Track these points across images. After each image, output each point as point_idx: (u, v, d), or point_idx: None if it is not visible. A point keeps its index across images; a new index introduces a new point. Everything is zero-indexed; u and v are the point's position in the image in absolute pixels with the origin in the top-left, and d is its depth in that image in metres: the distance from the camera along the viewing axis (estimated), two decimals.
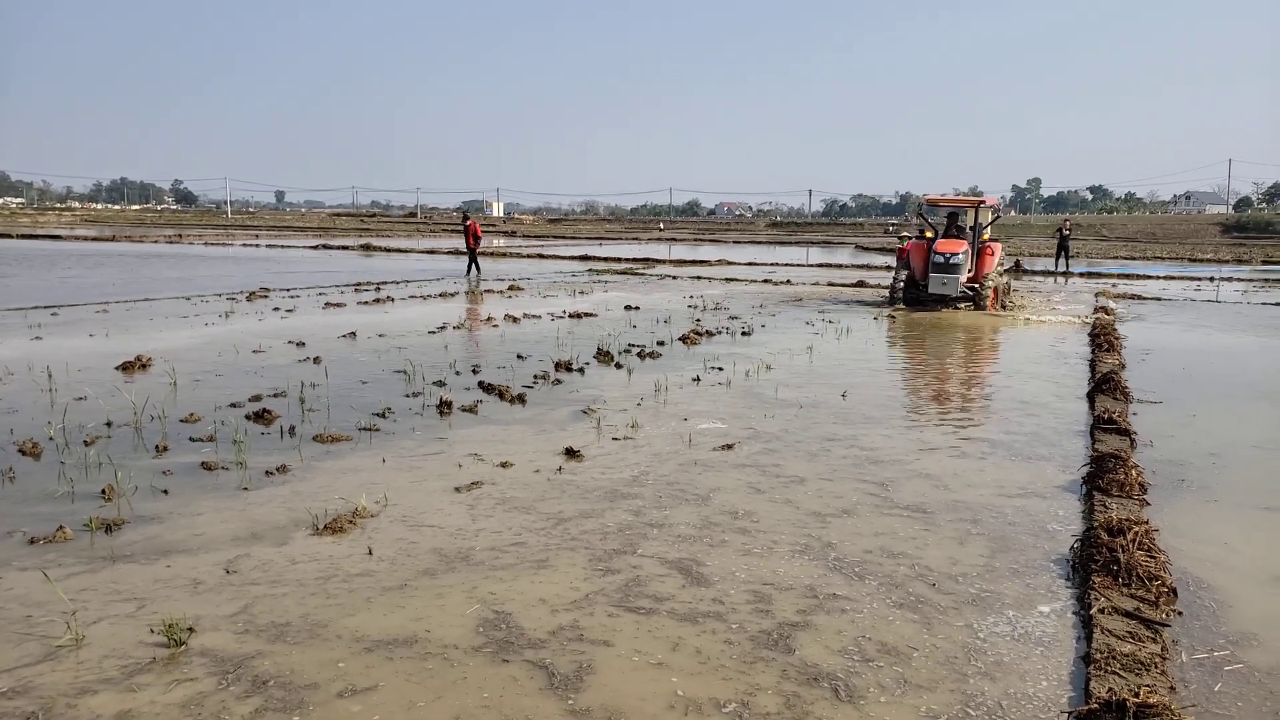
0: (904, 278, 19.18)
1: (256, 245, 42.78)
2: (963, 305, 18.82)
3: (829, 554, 5.13)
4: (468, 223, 25.88)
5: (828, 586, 4.69)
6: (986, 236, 19.55)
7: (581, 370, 10.78)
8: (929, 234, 19.19)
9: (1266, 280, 28.16)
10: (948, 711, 3.55)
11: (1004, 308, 19.04)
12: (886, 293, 20.51)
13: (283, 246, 42.05)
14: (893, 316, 17.47)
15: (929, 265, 18.62)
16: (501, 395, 9.19)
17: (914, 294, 19.00)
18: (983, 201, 19.92)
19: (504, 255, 38.21)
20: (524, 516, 5.70)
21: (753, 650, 4.00)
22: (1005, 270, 30.82)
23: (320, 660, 3.87)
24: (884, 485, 6.45)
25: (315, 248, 40.83)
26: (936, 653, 4.01)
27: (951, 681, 3.77)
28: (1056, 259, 31.08)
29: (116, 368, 10.39)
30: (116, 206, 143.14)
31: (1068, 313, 18.23)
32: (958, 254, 18.25)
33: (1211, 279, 28.50)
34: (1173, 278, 28.73)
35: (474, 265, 25.37)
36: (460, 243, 37.01)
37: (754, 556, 5.09)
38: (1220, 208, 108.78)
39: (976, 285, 18.53)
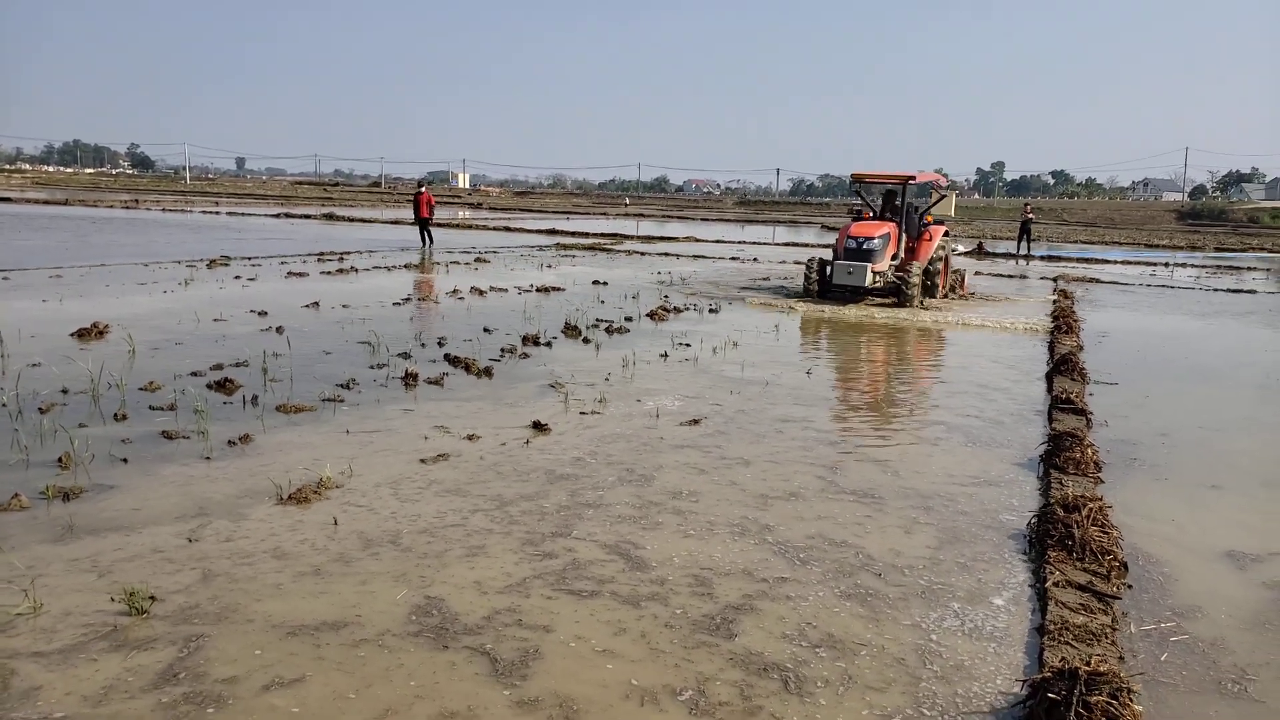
0: (817, 265, 16.53)
1: (217, 213, 41.97)
2: (881, 299, 16.27)
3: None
4: (419, 193, 25.20)
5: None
6: (930, 219, 17.23)
7: (549, 344, 10.76)
8: (866, 215, 17.13)
9: (1219, 266, 28.78)
10: (910, 657, 3.63)
11: (949, 297, 17.11)
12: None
13: (244, 214, 41.30)
14: (778, 313, 14.69)
15: (838, 250, 16.25)
16: (468, 368, 9.16)
17: (827, 284, 16.44)
18: (912, 178, 16.67)
19: (470, 227, 37.91)
20: (491, 487, 5.70)
21: (694, 636, 4.06)
22: (967, 252, 30.06)
23: (251, 644, 3.87)
24: (833, 470, 6.54)
25: (277, 216, 40.15)
26: (908, 594, 4.10)
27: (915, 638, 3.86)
28: (1018, 242, 31.48)
29: (72, 334, 10.19)
30: (69, 170, 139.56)
31: (1016, 313, 15.39)
32: (873, 238, 15.66)
33: (1167, 264, 29.09)
34: (1130, 262, 29.26)
35: (426, 236, 24.90)
36: (407, 213, 36.47)
37: (693, 539, 5.16)
38: (1176, 195, 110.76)
39: (904, 275, 15.76)
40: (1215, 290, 20.76)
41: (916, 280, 15.63)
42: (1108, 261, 29.26)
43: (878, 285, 15.85)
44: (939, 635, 3.99)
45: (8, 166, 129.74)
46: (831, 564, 4.71)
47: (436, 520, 5.14)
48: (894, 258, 16.25)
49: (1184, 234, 52.53)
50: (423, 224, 24.90)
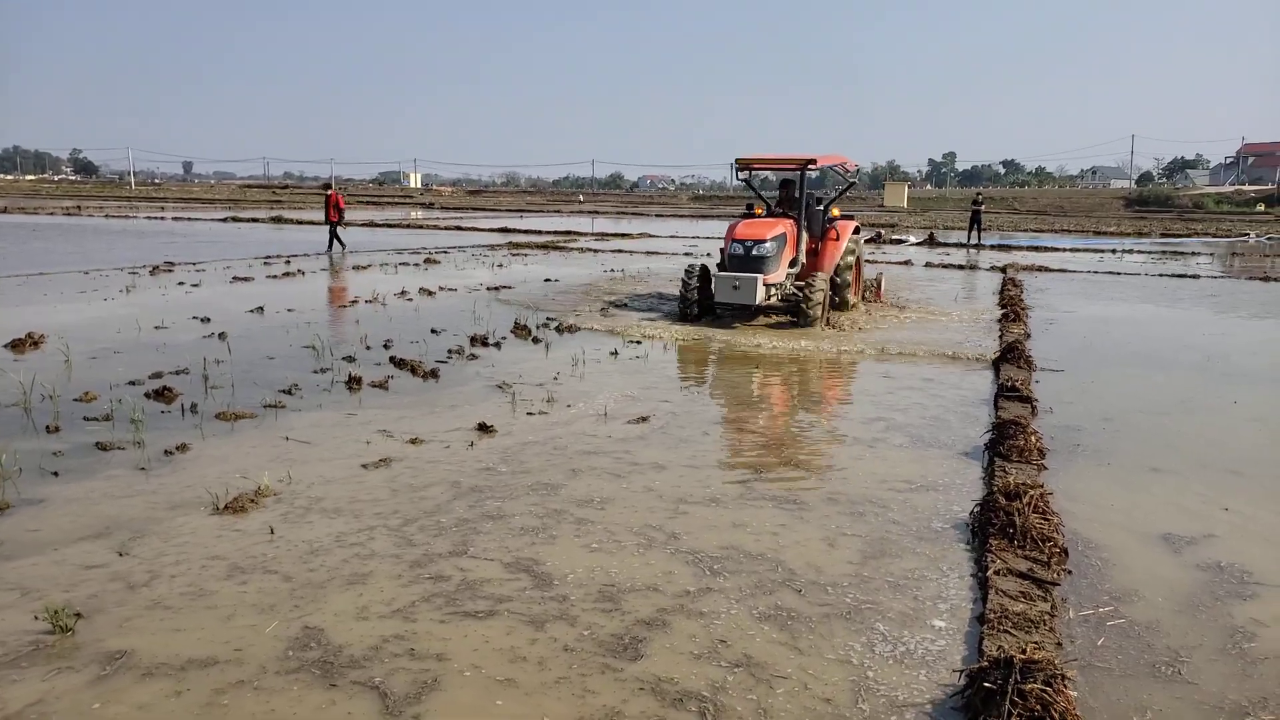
0: (698, 276, 12.88)
1: (162, 218, 41.11)
2: (777, 315, 13.02)
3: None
4: (328, 194, 24.02)
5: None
6: (837, 212, 14.16)
7: (498, 345, 10.66)
8: (758, 211, 13.69)
9: (1164, 252, 29.38)
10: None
11: (864, 303, 14.36)
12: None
13: (190, 219, 40.51)
14: (638, 341, 11.21)
15: (723, 257, 12.91)
16: (414, 371, 9.04)
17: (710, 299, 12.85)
18: (811, 161, 13.13)
19: (421, 227, 37.53)
20: (430, 492, 5.62)
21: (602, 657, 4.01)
22: (919, 243, 29.62)
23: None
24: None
25: (224, 220, 39.43)
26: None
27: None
28: (969, 231, 31.89)
29: (5, 345, 9.90)
30: (9, 176, 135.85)
31: (948, 332, 12.30)
32: (765, 241, 12.31)
33: (1114, 251, 29.62)
34: (1078, 250, 29.75)
35: (335, 240, 23.62)
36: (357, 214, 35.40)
37: (593, 546, 5.12)
38: (1124, 182, 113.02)
39: (804, 286, 12.48)
40: (1161, 275, 21.18)
41: (820, 298, 12.24)
42: (1057, 249, 29.73)
43: (773, 301, 12.68)
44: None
45: None
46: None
47: (375, 524, 5.05)
48: (793, 264, 13.05)
49: (1131, 221, 53.59)
50: (332, 227, 23.61)
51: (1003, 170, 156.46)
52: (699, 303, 12.78)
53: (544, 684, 3.52)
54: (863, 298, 14.57)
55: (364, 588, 4.30)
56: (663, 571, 4.54)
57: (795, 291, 12.79)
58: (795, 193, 13.63)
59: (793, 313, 12.57)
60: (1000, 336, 11.71)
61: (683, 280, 12.96)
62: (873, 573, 4.58)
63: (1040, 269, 22.28)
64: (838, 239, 13.54)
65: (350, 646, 3.76)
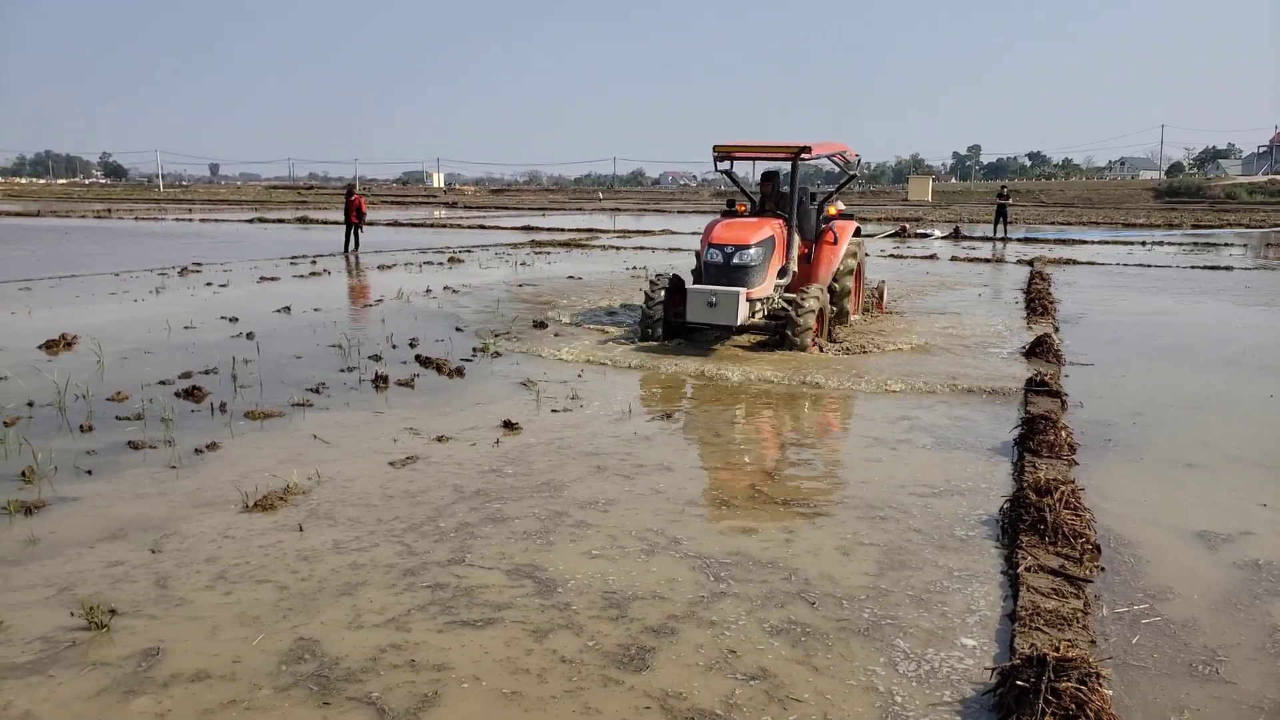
0: (665, 288, 10.60)
1: (190, 220, 41.60)
2: (758, 334, 10.80)
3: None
4: (351, 197, 24.02)
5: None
6: (835, 211, 11.99)
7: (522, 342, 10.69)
8: (741, 208, 11.32)
9: (1195, 244, 28.97)
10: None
11: (866, 318, 12.53)
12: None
13: (217, 221, 40.96)
14: (579, 370, 9.21)
15: (698, 265, 10.82)
16: (439, 369, 9.08)
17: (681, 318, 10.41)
18: (805, 150, 10.85)
19: (444, 226, 37.70)
20: (456, 490, 5.64)
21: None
22: (944, 237, 28.81)
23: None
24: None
25: (251, 221, 39.82)
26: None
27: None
28: (995, 225, 31.59)
29: (39, 346, 10.04)
30: (42, 180, 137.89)
31: (966, 359, 9.83)
32: (749, 247, 10.09)
33: (1144, 243, 29.23)
34: (1107, 242, 29.41)
35: (353, 239, 23.66)
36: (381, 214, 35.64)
37: (590, 537, 5.10)
38: (1153, 173, 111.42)
39: (794, 301, 10.33)
40: (1193, 268, 20.87)
41: (811, 319, 9.98)
42: (1085, 242, 29.39)
43: (757, 319, 10.47)
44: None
45: None
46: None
47: (403, 521, 5.08)
48: (782, 273, 10.80)
49: (1161, 212, 52.84)
50: (352, 228, 23.63)
51: (1028, 163, 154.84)
52: (666, 321, 10.43)
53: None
54: (864, 309, 12.87)
55: (379, 587, 4.32)
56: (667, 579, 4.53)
57: (785, 306, 10.51)
58: (784, 188, 11.45)
59: (779, 332, 10.21)
60: (1028, 328, 11.59)
61: (645, 294, 10.67)
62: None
63: (1068, 262, 22.03)
64: (835, 242, 11.47)
65: (346, 659, 3.78)
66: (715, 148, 11.19)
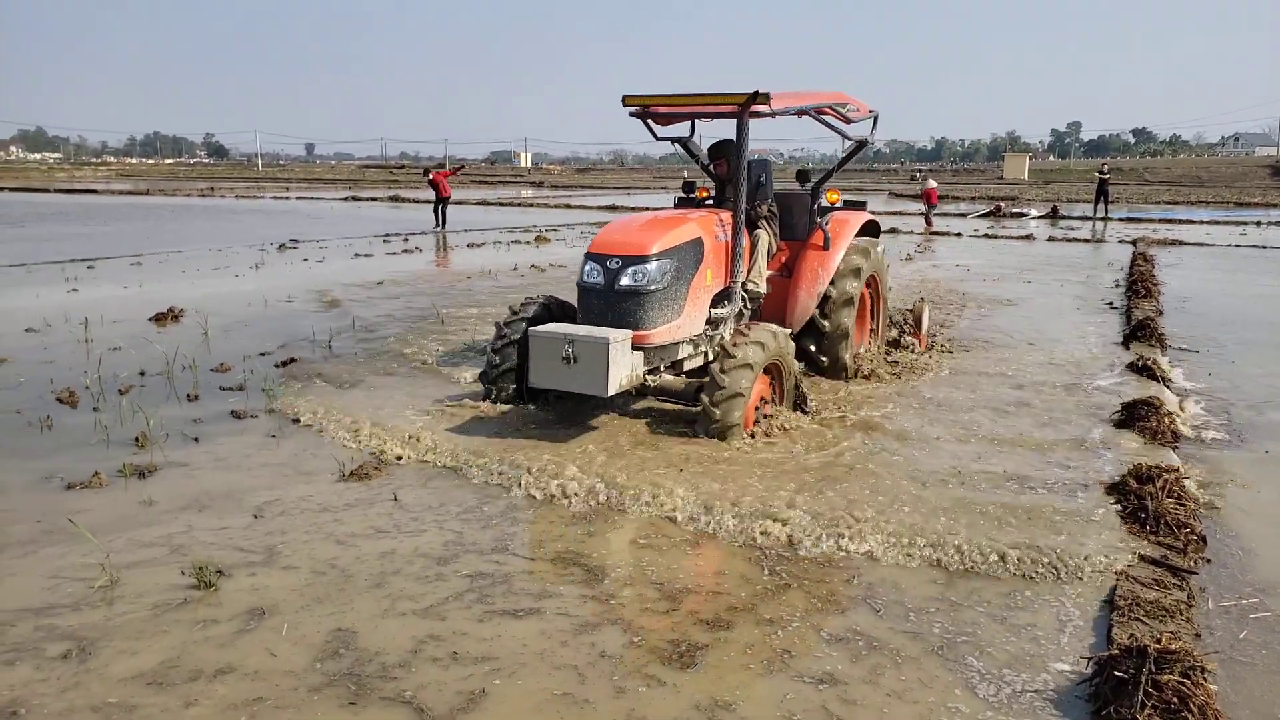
0: (523, 329, 6.48)
1: (287, 198, 42.97)
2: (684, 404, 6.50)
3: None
4: (430, 176, 24.34)
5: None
6: (834, 198, 7.98)
7: None
8: (702, 193, 8.18)
9: None
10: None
11: (890, 359, 8.43)
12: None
13: (313, 199, 42.21)
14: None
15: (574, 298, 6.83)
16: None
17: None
18: (756, 97, 6.36)
19: (532, 205, 38.09)
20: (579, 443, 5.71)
21: None
22: (1041, 216, 27.57)
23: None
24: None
25: (345, 199, 40.94)
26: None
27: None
28: (1095, 204, 30.39)
29: (150, 318, 10.52)
30: (150, 161, 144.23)
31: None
32: (646, 260, 6.18)
33: (1258, 223, 27.75)
34: (1217, 222, 28.02)
35: (439, 217, 24.05)
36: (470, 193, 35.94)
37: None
38: (1271, 149, 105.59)
39: (718, 357, 6.10)
40: None
41: (737, 383, 5.93)
42: (1193, 222, 28.04)
43: (660, 380, 6.43)
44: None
45: (94, 160, 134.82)
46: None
47: (499, 490, 5.18)
48: (721, 298, 6.90)
49: (1279, 190, 50.06)
50: (440, 203, 24.08)
51: (1133, 139, 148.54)
52: (516, 372, 6.67)
53: None
54: (890, 345, 8.93)
55: (483, 551, 4.42)
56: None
57: (712, 356, 6.62)
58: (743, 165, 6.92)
59: (696, 398, 6.18)
60: (1128, 313, 11.15)
61: (496, 327, 6.91)
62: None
63: (1174, 243, 21.09)
64: (827, 246, 7.68)
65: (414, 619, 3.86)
66: (625, 99, 6.91)
